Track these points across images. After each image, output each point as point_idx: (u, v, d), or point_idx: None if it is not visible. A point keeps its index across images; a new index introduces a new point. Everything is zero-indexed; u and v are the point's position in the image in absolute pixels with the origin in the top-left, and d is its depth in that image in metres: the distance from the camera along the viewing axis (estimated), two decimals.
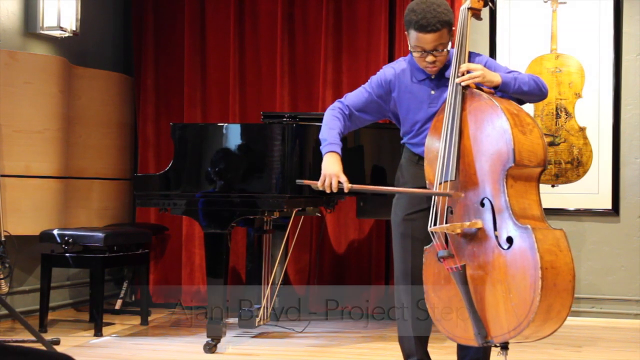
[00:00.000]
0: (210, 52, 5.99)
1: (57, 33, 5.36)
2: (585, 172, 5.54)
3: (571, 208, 5.57)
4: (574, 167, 5.56)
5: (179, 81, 6.03)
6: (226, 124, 4.53)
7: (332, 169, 3.08)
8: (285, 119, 4.59)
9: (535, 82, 3.08)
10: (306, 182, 3.15)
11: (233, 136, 4.45)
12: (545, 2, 5.61)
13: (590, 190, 5.54)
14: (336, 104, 3.29)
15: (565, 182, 5.57)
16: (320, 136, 3.22)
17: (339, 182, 3.05)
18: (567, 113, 5.56)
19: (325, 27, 5.72)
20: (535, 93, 3.09)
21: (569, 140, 5.56)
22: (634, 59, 5.52)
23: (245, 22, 5.93)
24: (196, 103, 5.97)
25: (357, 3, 5.74)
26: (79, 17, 5.47)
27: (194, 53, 5.98)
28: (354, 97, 3.29)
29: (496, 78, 3.00)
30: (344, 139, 3.21)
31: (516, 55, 5.61)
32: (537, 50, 5.61)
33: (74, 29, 5.44)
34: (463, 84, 2.99)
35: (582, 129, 5.55)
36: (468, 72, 3.00)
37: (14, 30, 5.20)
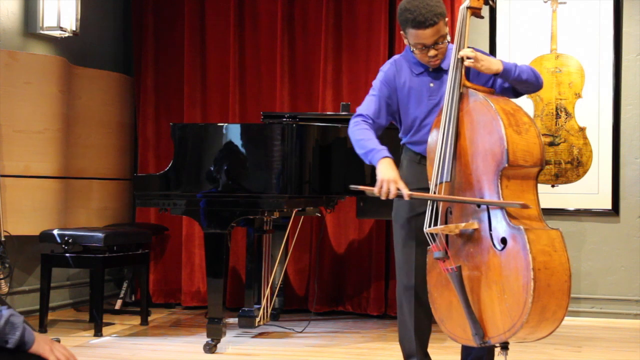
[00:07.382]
0: (210, 52, 5.99)
1: (57, 33, 5.37)
2: (585, 172, 5.54)
3: (571, 208, 5.57)
4: (574, 167, 5.56)
5: (179, 81, 6.04)
6: (226, 124, 4.52)
7: (390, 175, 2.97)
8: (285, 119, 4.59)
9: (532, 71, 3.10)
10: (361, 187, 3.03)
11: (233, 136, 4.45)
12: (545, 2, 5.61)
13: (590, 190, 5.54)
14: (356, 118, 3.20)
15: (565, 182, 5.57)
16: (360, 150, 3.13)
17: (398, 189, 2.94)
18: (567, 113, 5.56)
19: (325, 27, 5.72)
20: (532, 82, 3.09)
21: (569, 140, 5.56)
22: (634, 59, 5.52)
23: (245, 22, 5.93)
24: (196, 103, 5.97)
25: (357, 3, 5.75)
26: (79, 17, 5.47)
27: (194, 53, 5.98)
28: (367, 106, 3.22)
29: (496, 65, 2.99)
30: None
31: (516, 55, 5.60)
32: (537, 50, 5.61)
33: (74, 29, 5.44)
34: (460, 54, 2.97)
35: (582, 129, 5.54)
36: (468, 58, 2.98)
37: (14, 30, 5.20)
